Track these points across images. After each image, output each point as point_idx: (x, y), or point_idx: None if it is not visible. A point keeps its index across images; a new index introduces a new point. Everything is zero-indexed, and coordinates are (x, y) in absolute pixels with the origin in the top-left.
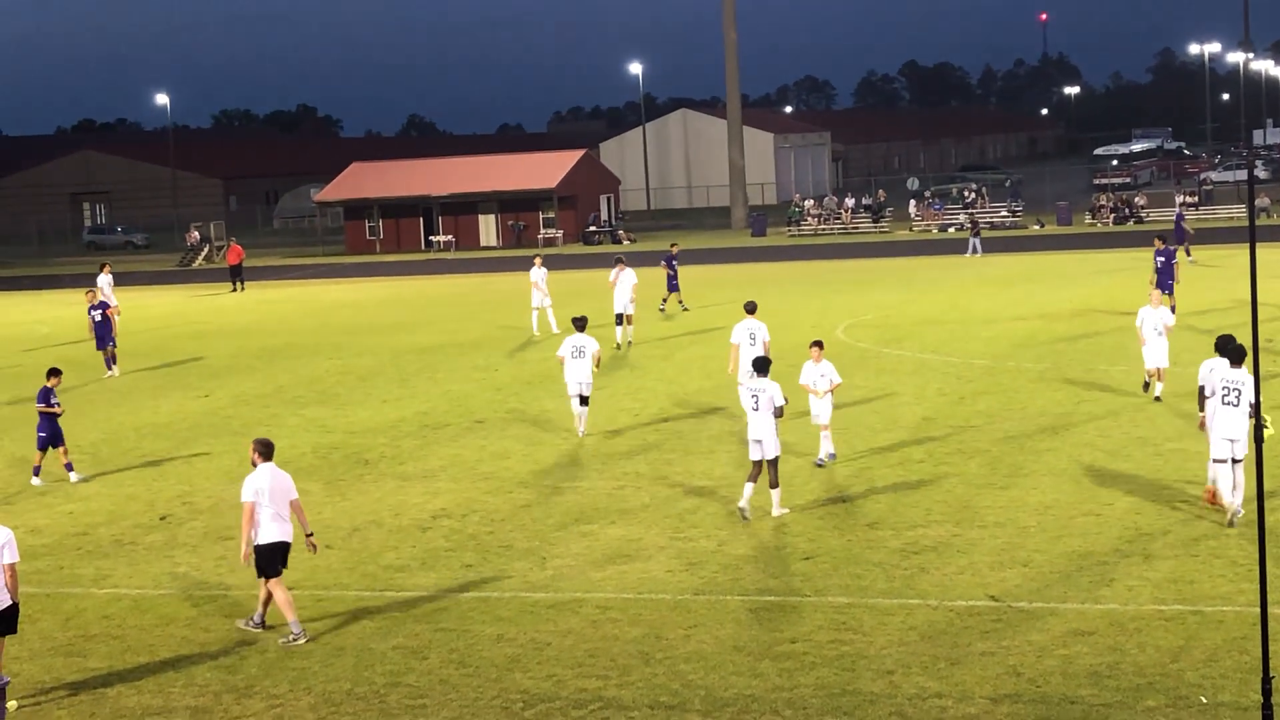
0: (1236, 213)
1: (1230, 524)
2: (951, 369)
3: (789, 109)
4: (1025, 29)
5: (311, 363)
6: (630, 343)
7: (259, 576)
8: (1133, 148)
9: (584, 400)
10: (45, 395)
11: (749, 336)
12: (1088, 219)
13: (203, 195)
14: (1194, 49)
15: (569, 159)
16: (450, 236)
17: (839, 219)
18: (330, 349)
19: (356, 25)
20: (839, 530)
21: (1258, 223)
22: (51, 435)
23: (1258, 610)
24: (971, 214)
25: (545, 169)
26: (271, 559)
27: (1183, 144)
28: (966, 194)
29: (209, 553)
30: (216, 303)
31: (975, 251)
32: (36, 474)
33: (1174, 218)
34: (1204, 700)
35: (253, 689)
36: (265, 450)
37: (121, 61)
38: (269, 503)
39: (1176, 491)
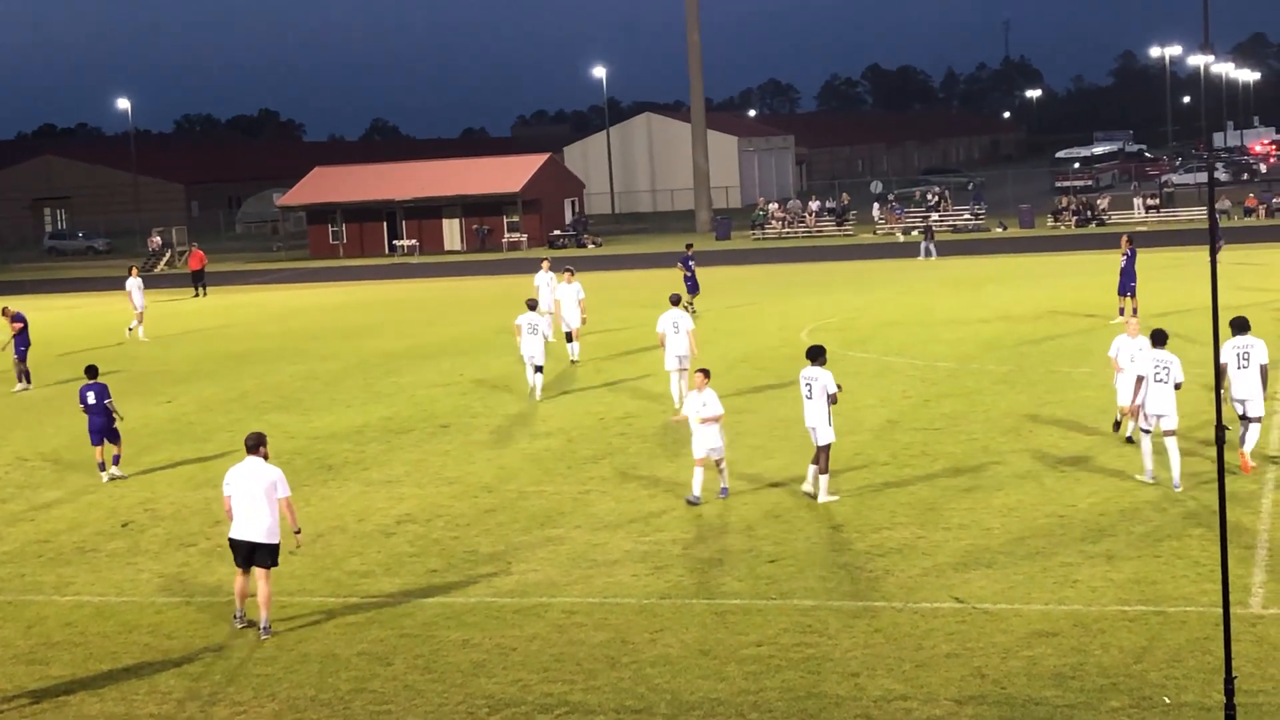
0: (1197, 215)
1: (1147, 479)
2: (915, 371)
3: (753, 112)
4: (987, 33)
5: (275, 368)
6: (575, 361)
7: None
8: (1094, 150)
9: (538, 369)
10: (81, 395)
11: (673, 326)
12: (1050, 221)
13: (165, 200)
14: (1155, 52)
15: (533, 163)
16: (414, 241)
17: (803, 222)
18: (294, 354)
19: (319, 29)
20: (804, 533)
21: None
22: (98, 432)
23: (1220, 610)
24: (925, 219)
25: (509, 173)
26: (233, 551)
27: (1144, 147)
28: (930, 197)
29: (171, 559)
30: (179, 308)
31: (929, 255)
32: (100, 469)
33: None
34: (1167, 700)
35: (216, 696)
36: (246, 443)
37: (82, 66)
38: (237, 496)
39: (1139, 493)
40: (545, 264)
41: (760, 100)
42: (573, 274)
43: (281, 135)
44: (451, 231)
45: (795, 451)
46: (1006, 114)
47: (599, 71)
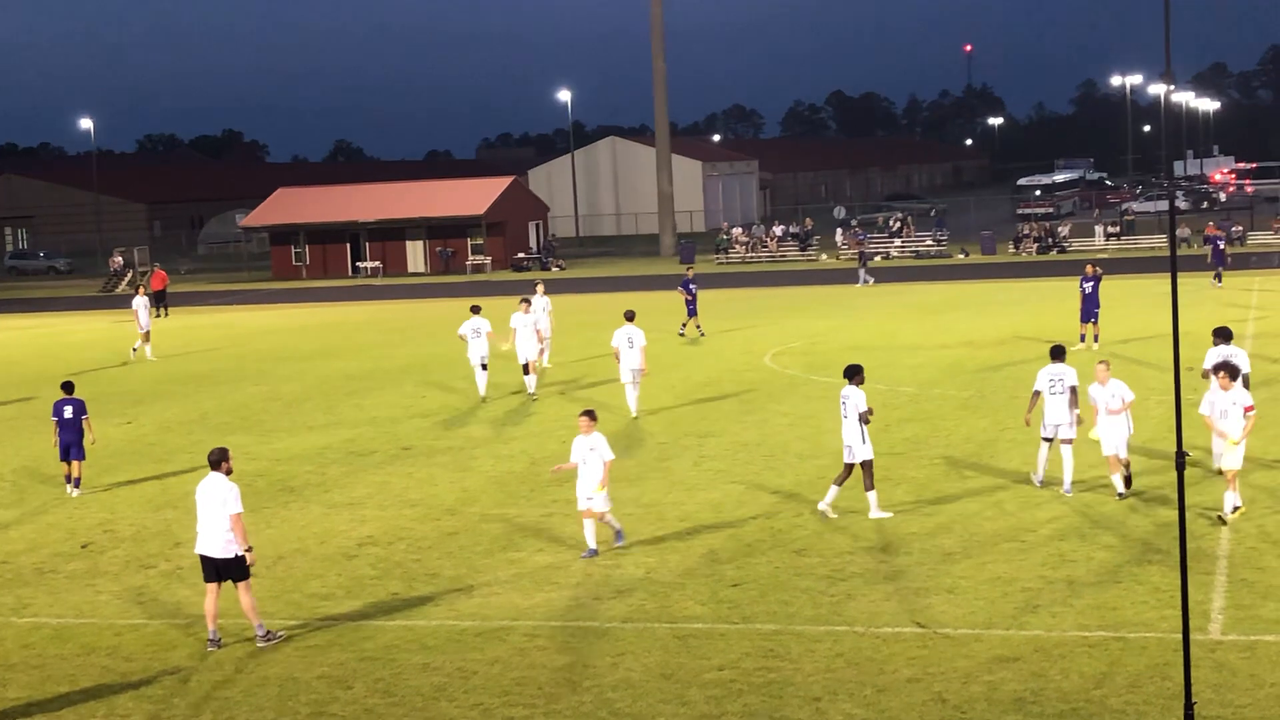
0: (1157, 243)
1: (1040, 484)
2: (878, 396)
3: (717, 137)
4: (950, 60)
5: (236, 389)
6: (534, 396)
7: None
8: (1055, 178)
9: (484, 367)
10: (57, 409)
11: (627, 341)
12: (1011, 248)
13: (127, 220)
14: (1116, 80)
15: (498, 185)
16: (377, 263)
17: (766, 247)
18: (255, 375)
19: (283, 50)
20: (766, 557)
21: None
22: (65, 447)
23: (1180, 636)
24: (860, 246)
25: (474, 195)
26: (202, 567)
27: (1105, 174)
28: (892, 223)
29: (131, 581)
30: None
31: (865, 282)
32: (68, 483)
33: (1211, 243)
34: None
35: (174, 719)
36: (209, 459)
37: (44, 85)
38: (199, 511)
39: (1100, 519)
40: (540, 288)
41: (725, 125)
42: (529, 305)
43: (245, 156)
44: (415, 253)
45: (756, 476)
46: (969, 141)
47: (564, 95)
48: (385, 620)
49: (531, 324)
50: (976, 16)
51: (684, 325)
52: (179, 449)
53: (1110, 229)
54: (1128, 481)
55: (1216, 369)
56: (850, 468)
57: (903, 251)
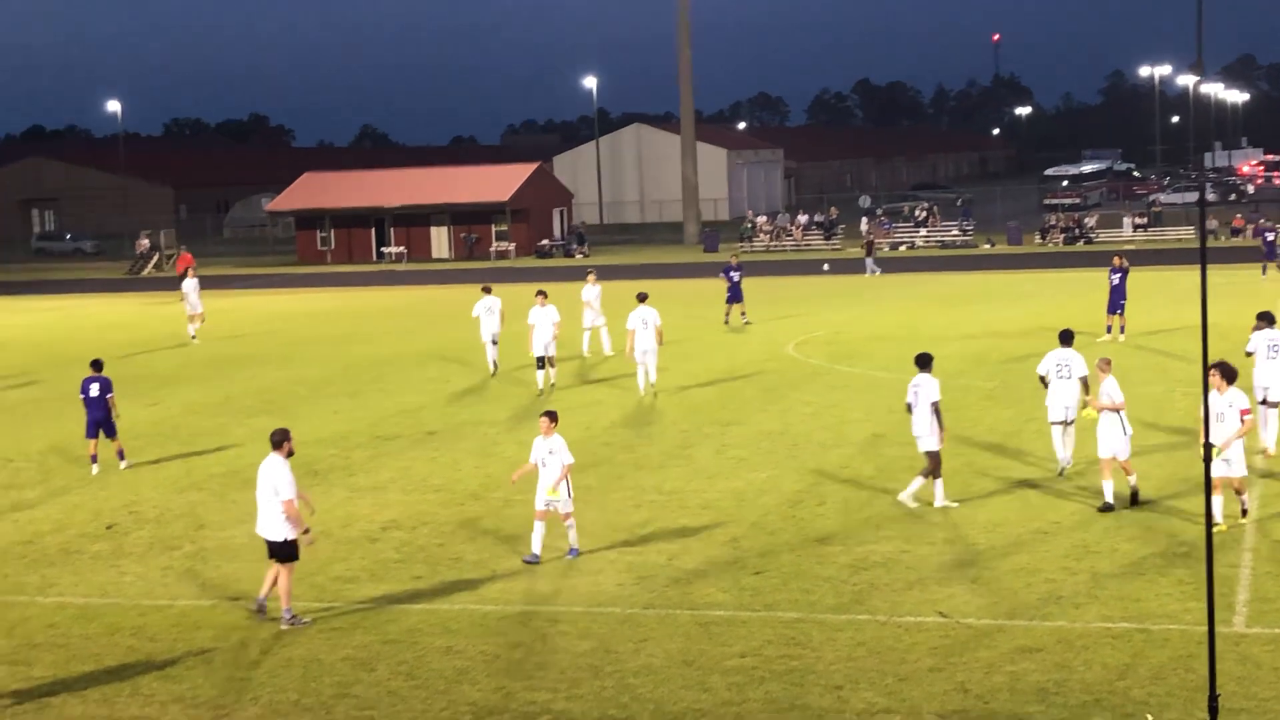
0: (1185, 234)
1: (1060, 474)
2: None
3: (742, 125)
4: (978, 50)
5: (261, 373)
6: (554, 385)
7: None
8: (1083, 169)
9: (494, 343)
10: (84, 387)
11: (641, 322)
12: (1038, 239)
13: (153, 203)
14: (1144, 71)
15: (522, 172)
16: (402, 248)
17: (791, 236)
18: (280, 359)
19: (310, 35)
20: (789, 546)
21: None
22: (95, 425)
23: (1204, 629)
24: (869, 236)
25: (498, 182)
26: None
27: (1132, 165)
28: (918, 213)
29: (155, 562)
30: (165, 311)
31: (873, 271)
32: (93, 462)
33: (1262, 235)
34: (1150, 718)
35: (199, 699)
36: (271, 439)
37: (72, 68)
38: (258, 491)
39: (1124, 511)
40: (591, 276)
41: (750, 113)
42: (546, 297)
43: (271, 140)
44: (439, 239)
45: (779, 465)
46: (995, 131)
47: (589, 82)
48: (408, 604)
49: (548, 319)
50: (1005, 6)
51: (727, 314)
52: (204, 431)
53: (1138, 220)
54: (1134, 496)
55: (1210, 369)
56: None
57: (928, 241)
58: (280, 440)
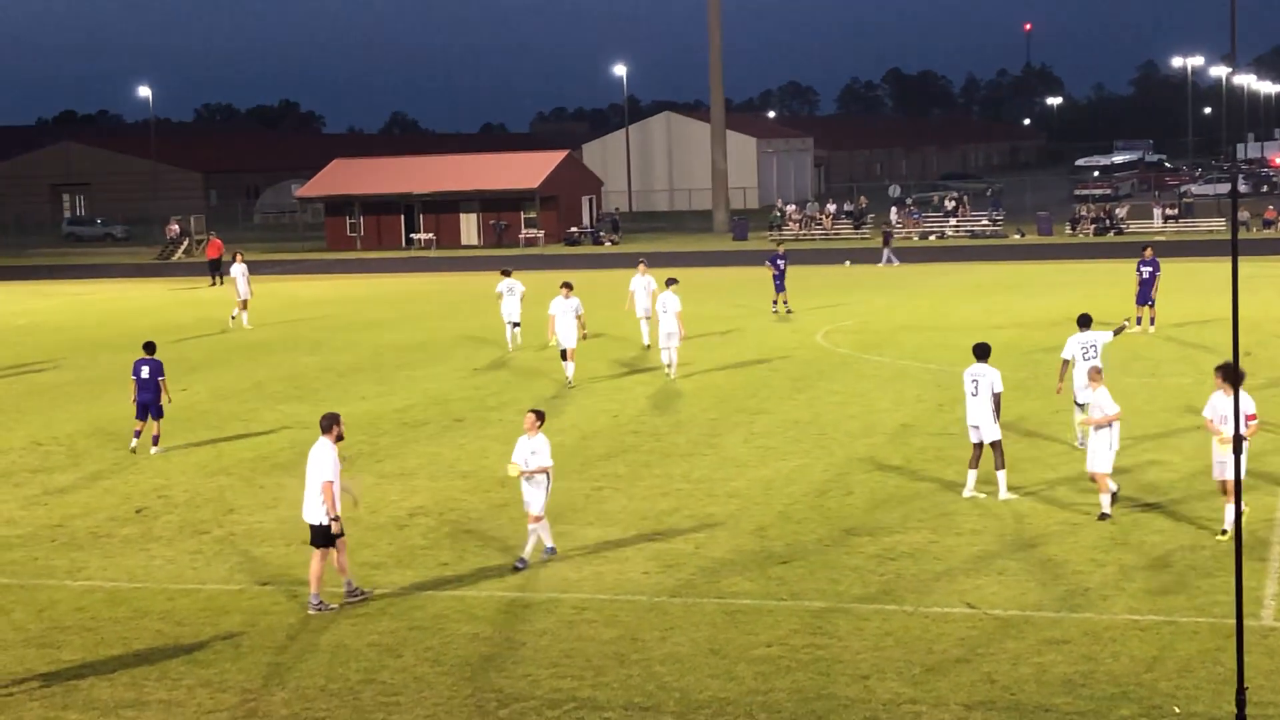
0: (1216, 226)
1: (1080, 444)
2: (930, 376)
3: (772, 114)
4: (1009, 39)
5: (290, 358)
6: (570, 385)
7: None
8: (1114, 159)
9: (516, 325)
10: (135, 369)
11: (662, 307)
12: (1068, 229)
13: (183, 189)
14: (1177, 62)
15: (552, 159)
16: (431, 235)
17: (820, 225)
18: (309, 345)
19: (340, 21)
20: (815, 535)
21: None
22: (142, 406)
23: (1232, 622)
24: (885, 226)
25: (528, 169)
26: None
27: (1164, 156)
28: (948, 202)
29: (184, 546)
30: (195, 296)
31: (890, 262)
32: (136, 436)
33: None
34: (1177, 710)
35: (226, 683)
36: (320, 424)
37: (104, 53)
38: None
39: (1153, 503)
40: (641, 266)
41: (780, 102)
42: (571, 289)
43: (301, 127)
44: (469, 226)
45: (807, 454)
46: (1026, 121)
47: (619, 70)
48: (435, 590)
49: (572, 310)
50: None
51: (774, 301)
52: (233, 416)
53: (1169, 211)
54: (1113, 498)
55: (1216, 371)
56: (980, 447)
57: (958, 231)
58: (329, 425)
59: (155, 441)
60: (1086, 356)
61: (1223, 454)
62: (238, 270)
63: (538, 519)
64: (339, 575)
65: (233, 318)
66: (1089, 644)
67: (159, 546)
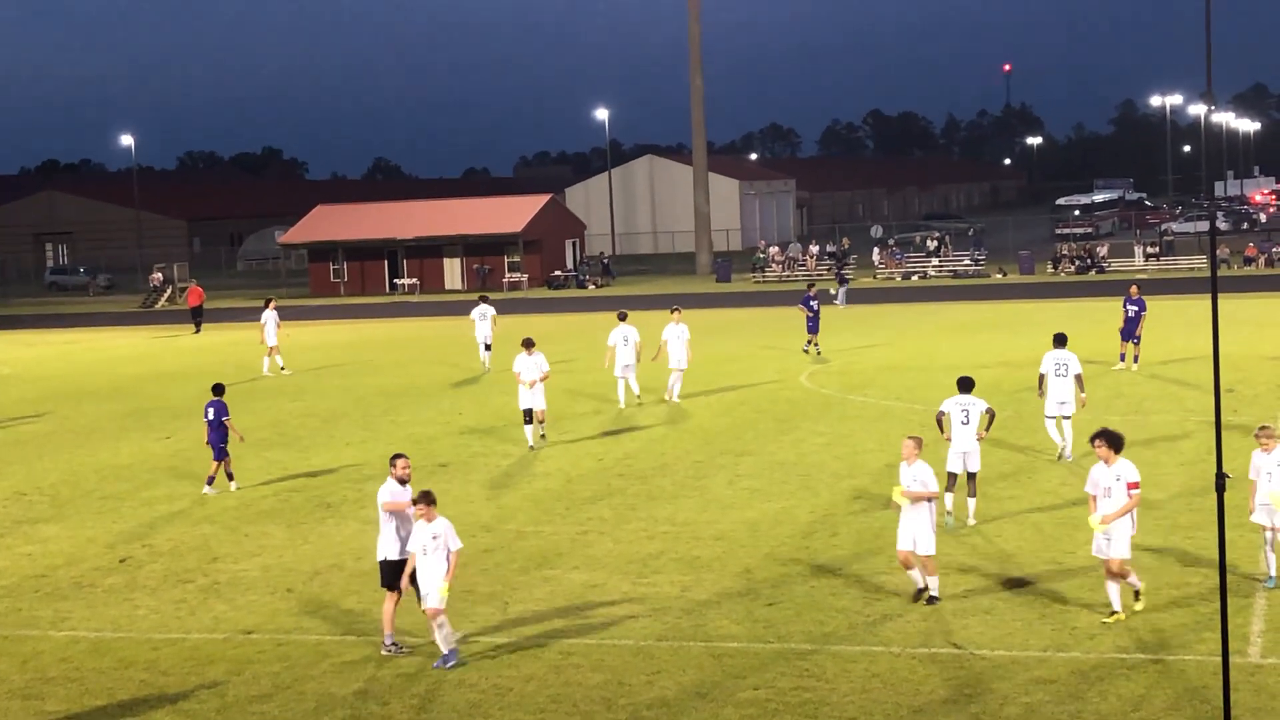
0: (1197, 263)
1: (1060, 458)
2: (915, 416)
3: (754, 156)
4: (989, 80)
5: (274, 405)
6: (544, 437)
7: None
8: (1094, 198)
9: (488, 348)
10: (205, 411)
11: (623, 339)
12: (1050, 268)
13: (167, 236)
14: (1155, 101)
15: (535, 203)
16: (415, 280)
17: (803, 266)
18: (293, 391)
19: (322, 68)
20: (802, 577)
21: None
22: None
23: (1219, 660)
24: (837, 266)
25: (511, 213)
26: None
27: (1144, 195)
28: (930, 242)
29: (168, 595)
30: (178, 344)
31: (840, 302)
32: (209, 483)
33: None
34: None
35: None
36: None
37: (86, 102)
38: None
39: (1139, 541)
40: (676, 314)
41: (762, 144)
42: (533, 346)
43: (284, 173)
44: (452, 271)
45: (792, 495)
46: (1007, 161)
47: (601, 113)
48: (421, 637)
49: (536, 368)
50: (1016, 36)
51: (807, 343)
52: None
53: (1149, 249)
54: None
55: (1095, 438)
56: (954, 477)
57: (940, 271)
58: (391, 463)
59: (210, 481)
60: (1059, 373)
61: (1103, 531)
62: (268, 316)
63: (435, 613)
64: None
65: (270, 365)
66: (1076, 683)
67: (143, 596)
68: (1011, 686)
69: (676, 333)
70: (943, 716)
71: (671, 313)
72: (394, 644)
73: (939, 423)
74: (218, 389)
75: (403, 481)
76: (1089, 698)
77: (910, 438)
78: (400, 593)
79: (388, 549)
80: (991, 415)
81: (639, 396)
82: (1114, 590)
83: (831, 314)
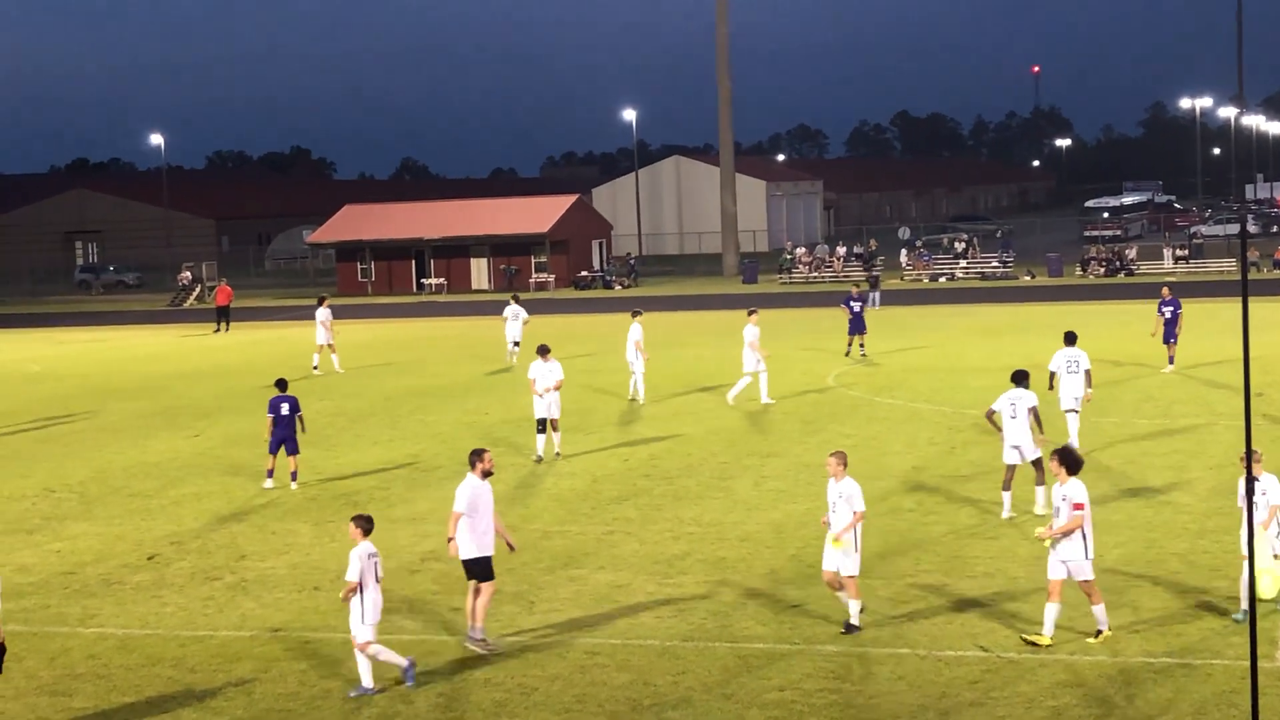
0: (1226, 266)
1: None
2: (942, 418)
3: (781, 157)
4: (1017, 81)
5: (301, 404)
6: (558, 453)
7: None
8: (1123, 200)
9: (516, 345)
10: (274, 405)
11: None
12: (1078, 271)
13: (195, 235)
14: (1185, 103)
15: (562, 204)
16: (442, 279)
17: (830, 267)
18: (320, 390)
19: (351, 68)
20: None
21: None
22: (279, 442)
23: (1247, 664)
24: (869, 269)
25: (538, 213)
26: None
27: (1173, 197)
28: (957, 244)
29: (196, 593)
30: (206, 343)
31: (874, 304)
32: (269, 476)
33: None
34: None
35: None
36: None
37: (116, 101)
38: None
39: (1166, 544)
40: (754, 316)
41: (789, 145)
42: (549, 352)
43: (312, 173)
44: (479, 271)
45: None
46: (1035, 163)
47: (629, 114)
48: (447, 635)
49: (551, 376)
50: (1044, 37)
51: (850, 344)
52: (245, 463)
53: (1179, 252)
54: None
55: (1052, 455)
56: (1013, 469)
57: (968, 273)
58: (473, 461)
59: (294, 477)
60: (1070, 370)
61: (1059, 553)
62: (322, 315)
63: (363, 645)
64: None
65: (315, 366)
66: (1103, 686)
67: (171, 593)
68: (1038, 690)
69: (754, 334)
70: (969, 719)
71: (749, 314)
72: (482, 638)
73: (990, 419)
74: (282, 384)
75: (486, 475)
76: (1116, 701)
77: (834, 454)
78: (480, 588)
79: (466, 547)
80: (1035, 413)
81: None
82: (1049, 611)
83: (874, 314)
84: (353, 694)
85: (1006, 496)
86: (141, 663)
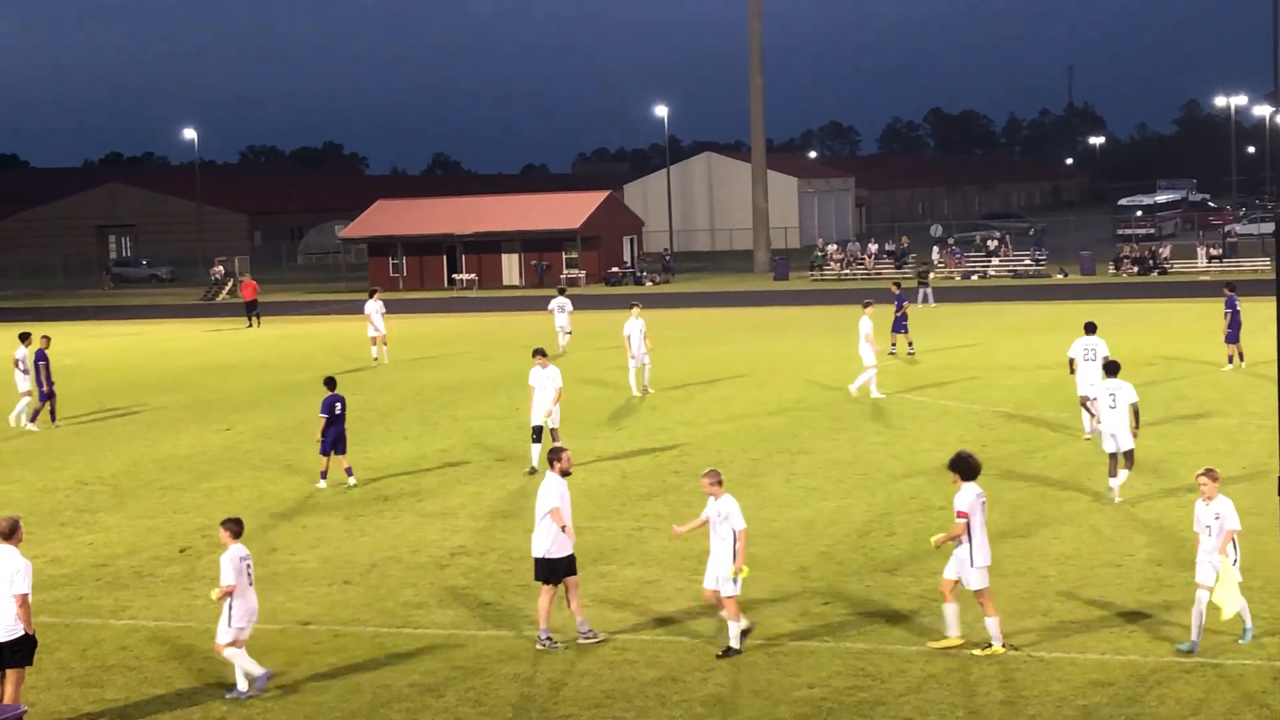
0: (1261, 265)
1: (1087, 437)
2: (973, 416)
3: (813, 154)
4: (1051, 78)
5: None
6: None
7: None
8: (1157, 199)
9: (568, 333)
10: (328, 405)
11: (639, 330)
12: (1111, 269)
13: (228, 230)
14: (1220, 101)
15: (593, 200)
16: (473, 275)
17: (862, 264)
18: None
19: (384, 64)
20: (858, 576)
21: None
22: (331, 442)
23: (1278, 665)
24: (921, 265)
25: (569, 209)
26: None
27: (1207, 196)
28: (990, 242)
29: None
30: (237, 337)
31: (927, 301)
32: (323, 478)
33: None
34: None
35: None
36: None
37: (149, 96)
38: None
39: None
40: (868, 309)
41: (821, 142)
42: (546, 357)
43: (344, 168)
44: (510, 266)
45: (848, 494)
46: (1069, 160)
47: (660, 110)
48: (476, 630)
49: (550, 383)
50: (1078, 35)
51: (894, 343)
52: (275, 457)
53: (1213, 251)
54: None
55: (949, 463)
56: (1115, 457)
57: (1000, 271)
58: (551, 460)
59: (349, 473)
60: (1087, 357)
61: (958, 554)
62: (373, 307)
63: (221, 648)
64: (574, 617)
65: (375, 359)
66: (1134, 686)
67: (202, 586)
68: (1068, 689)
69: (865, 328)
70: (999, 718)
71: (864, 306)
72: (549, 638)
73: (1084, 405)
74: (331, 382)
75: (565, 474)
76: (1146, 701)
77: (706, 474)
78: (554, 588)
79: (541, 546)
80: (1135, 409)
81: (648, 387)
82: (992, 624)
83: (912, 313)
84: (228, 695)
85: (1113, 482)
86: (172, 654)
